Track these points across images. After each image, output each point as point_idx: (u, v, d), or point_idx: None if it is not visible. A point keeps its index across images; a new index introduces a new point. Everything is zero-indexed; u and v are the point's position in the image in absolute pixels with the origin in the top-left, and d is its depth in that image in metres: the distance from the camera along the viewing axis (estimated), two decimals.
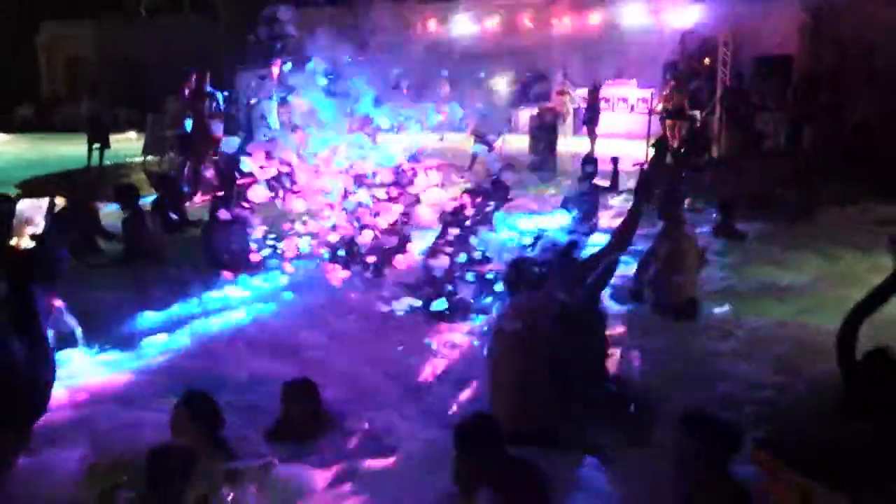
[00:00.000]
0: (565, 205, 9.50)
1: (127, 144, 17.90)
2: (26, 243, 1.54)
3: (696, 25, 16.93)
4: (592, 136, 17.57)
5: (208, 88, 13.77)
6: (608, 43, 20.05)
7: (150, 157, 15.82)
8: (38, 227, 1.63)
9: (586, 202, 9.33)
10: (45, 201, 1.69)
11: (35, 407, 1.79)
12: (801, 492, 2.71)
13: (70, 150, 17.06)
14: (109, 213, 9.47)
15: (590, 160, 10.38)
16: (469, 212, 7.28)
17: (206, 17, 26.44)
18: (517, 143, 16.38)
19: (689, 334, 6.02)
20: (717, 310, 6.49)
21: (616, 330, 5.87)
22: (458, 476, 3.28)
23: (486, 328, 5.88)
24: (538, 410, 4.04)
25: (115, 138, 17.03)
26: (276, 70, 14.35)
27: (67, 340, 5.50)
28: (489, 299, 6.45)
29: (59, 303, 5.44)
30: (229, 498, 3.13)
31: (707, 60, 19.47)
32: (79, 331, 5.62)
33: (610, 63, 20.92)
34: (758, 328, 6.10)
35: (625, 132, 18.92)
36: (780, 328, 6.07)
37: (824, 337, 4.49)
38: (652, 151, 13.57)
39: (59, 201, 7.59)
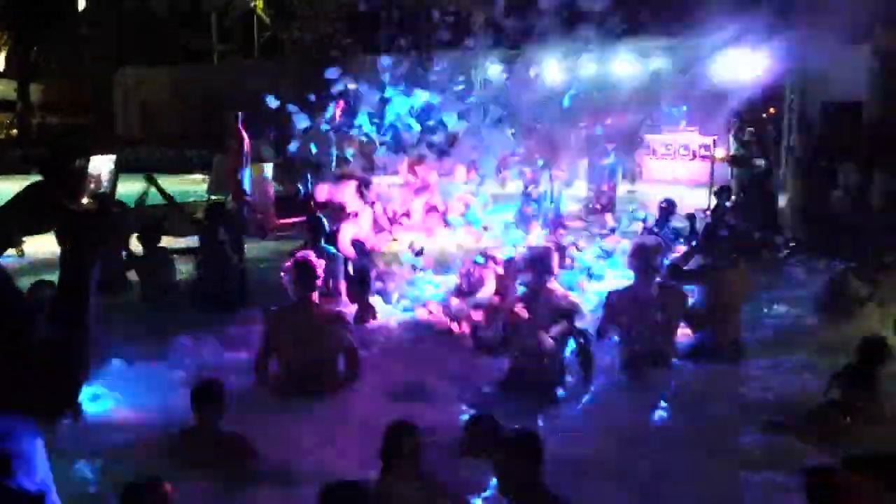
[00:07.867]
0: None
1: (195, 185, 18.35)
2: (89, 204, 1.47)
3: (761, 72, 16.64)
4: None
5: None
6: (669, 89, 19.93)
7: (213, 197, 16.13)
8: (104, 185, 1.56)
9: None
10: (112, 157, 1.63)
11: (60, 397, 1.63)
12: None
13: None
14: None
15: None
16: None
17: (273, 61, 27.28)
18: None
19: None
20: None
21: None
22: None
23: None
24: None
25: (184, 179, 17.34)
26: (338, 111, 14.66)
27: None
28: None
29: None
30: None
31: (772, 110, 19.07)
32: None
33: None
34: None
35: (686, 179, 18.59)
36: None
37: None
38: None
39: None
